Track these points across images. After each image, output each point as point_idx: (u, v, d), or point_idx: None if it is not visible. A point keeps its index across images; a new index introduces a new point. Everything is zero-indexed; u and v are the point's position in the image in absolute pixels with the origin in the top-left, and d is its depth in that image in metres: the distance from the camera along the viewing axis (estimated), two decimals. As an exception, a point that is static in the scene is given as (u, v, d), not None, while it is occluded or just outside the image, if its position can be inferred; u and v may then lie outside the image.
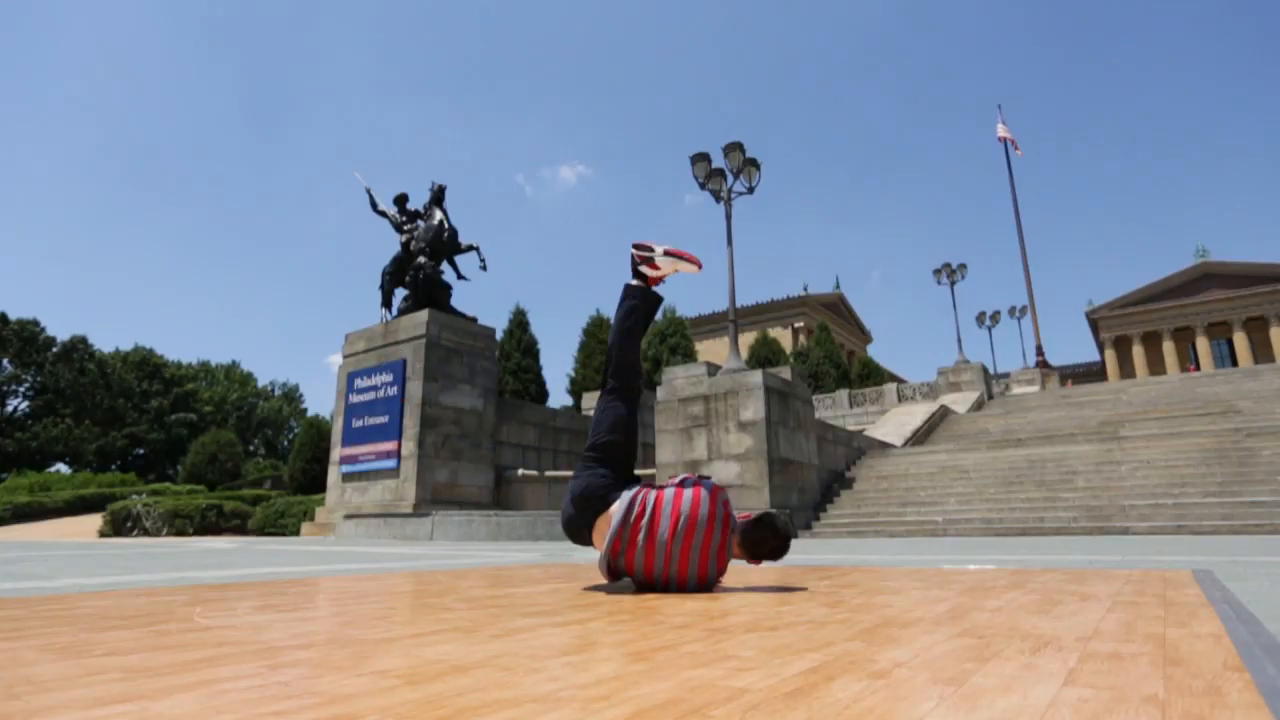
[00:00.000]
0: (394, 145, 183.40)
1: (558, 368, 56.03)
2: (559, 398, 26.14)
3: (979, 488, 11.00)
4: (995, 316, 28.73)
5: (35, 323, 41.73)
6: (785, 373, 11.79)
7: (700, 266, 2.63)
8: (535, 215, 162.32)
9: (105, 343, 67.03)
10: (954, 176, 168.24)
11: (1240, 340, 46.92)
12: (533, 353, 21.68)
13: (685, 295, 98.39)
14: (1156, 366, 49.15)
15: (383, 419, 13.03)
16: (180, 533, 16.35)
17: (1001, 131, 33.84)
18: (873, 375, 30.36)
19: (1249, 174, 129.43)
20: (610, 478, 2.44)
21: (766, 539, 2.35)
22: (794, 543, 8.25)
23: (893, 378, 33.75)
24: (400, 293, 14.78)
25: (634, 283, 2.64)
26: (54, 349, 41.95)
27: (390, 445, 12.71)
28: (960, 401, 21.37)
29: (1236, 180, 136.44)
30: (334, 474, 13.73)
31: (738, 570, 3.59)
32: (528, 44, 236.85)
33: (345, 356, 14.51)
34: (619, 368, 2.61)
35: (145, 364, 47.93)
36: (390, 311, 14.67)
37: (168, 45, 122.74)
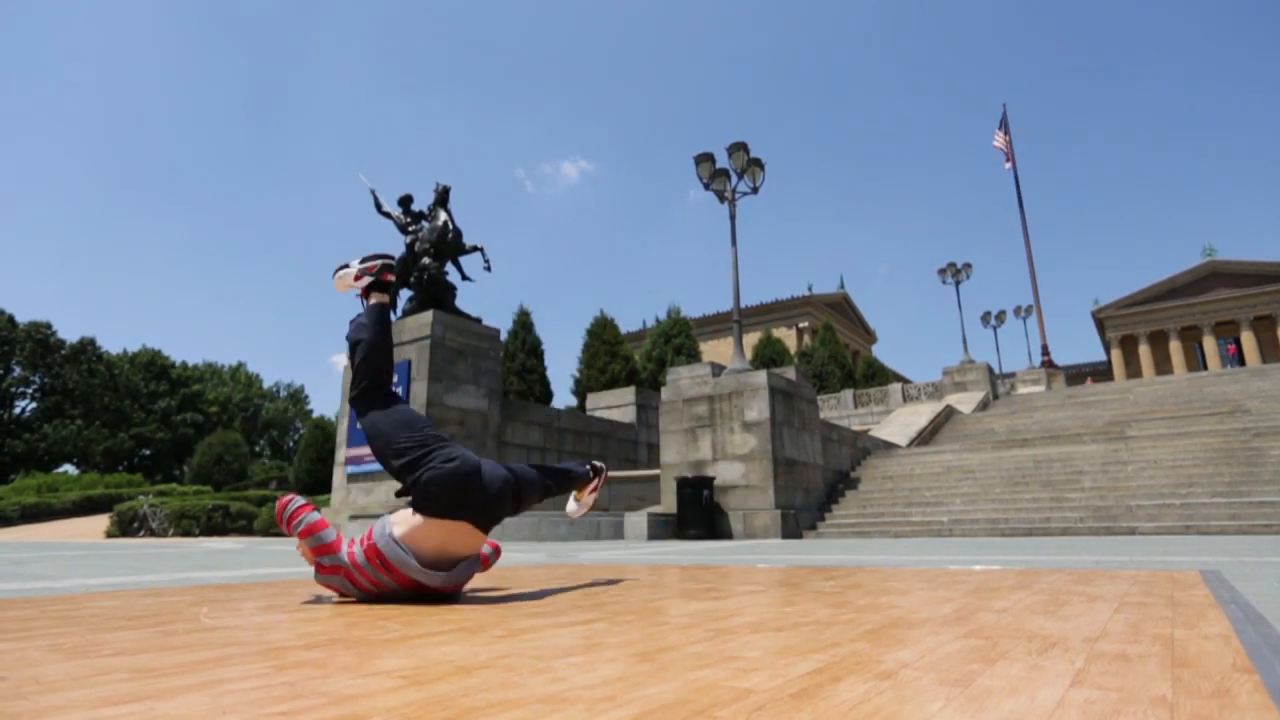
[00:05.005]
0: (394, 140, 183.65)
1: (561, 368, 56.18)
2: (563, 398, 26.17)
3: (984, 488, 10.96)
4: (1001, 316, 28.62)
5: (47, 325, 41.97)
6: (790, 373, 11.77)
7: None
8: (537, 212, 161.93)
9: (113, 344, 67.33)
10: (959, 175, 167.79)
11: (1248, 339, 46.67)
12: (537, 353, 21.70)
13: (690, 296, 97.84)
14: (1163, 366, 48.91)
15: (388, 420, 13.06)
16: (186, 533, 16.42)
17: (999, 141, 33.65)
18: (877, 375, 30.31)
19: (1256, 173, 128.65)
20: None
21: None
22: (799, 543, 8.25)
23: (897, 378, 33.69)
24: (405, 294, 14.81)
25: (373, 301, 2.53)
26: (63, 350, 42.17)
27: (395, 446, 12.73)
28: (965, 401, 21.31)
29: (1244, 179, 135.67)
30: (339, 475, 13.76)
31: (742, 570, 3.58)
32: (527, 37, 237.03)
33: (350, 357, 14.54)
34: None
35: (152, 365, 48.16)
36: (395, 312, 14.69)
37: (169, 45, 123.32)
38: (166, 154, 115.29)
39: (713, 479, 10.24)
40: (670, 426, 11.22)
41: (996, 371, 26.00)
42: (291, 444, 56.16)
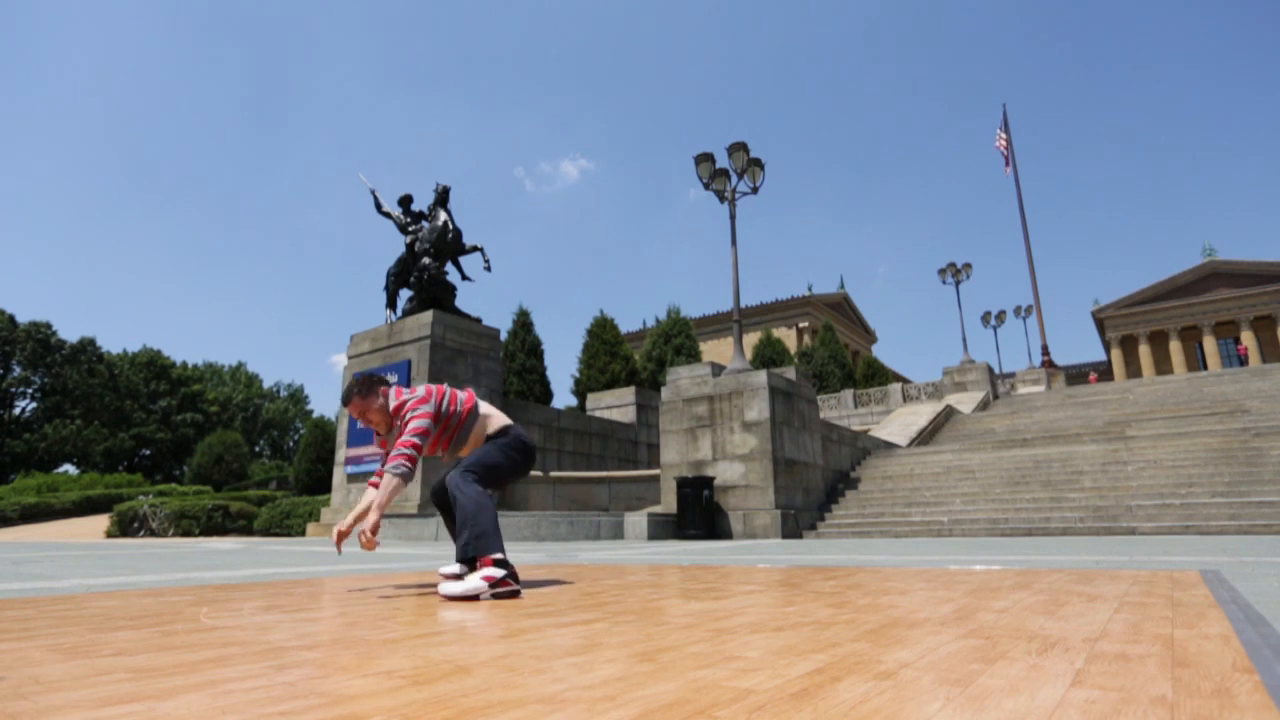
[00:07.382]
0: (392, 138, 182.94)
1: (561, 368, 56.27)
2: (563, 398, 26.20)
3: (984, 488, 10.96)
4: (1001, 316, 28.62)
5: (47, 325, 41.97)
6: (790, 373, 11.77)
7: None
8: (536, 210, 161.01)
9: (113, 344, 67.40)
10: (959, 175, 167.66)
11: (1248, 339, 46.67)
12: (537, 353, 21.70)
13: (690, 295, 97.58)
14: (1163, 366, 48.92)
15: (388, 420, 13.06)
16: (186, 533, 16.42)
17: (1001, 142, 33.62)
18: (877, 375, 30.31)
19: (1257, 172, 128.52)
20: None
21: None
22: (799, 543, 8.25)
23: (897, 378, 33.68)
24: (405, 294, 14.82)
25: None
26: (63, 351, 42.17)
27: (395, 446, 12.73)
28: (965, 401, 21.31)
29: (1244, 178, 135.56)
30: (339, 475, 13.77)
31: (742, 570, 3.58)
32: (527, 36, 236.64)
33: (350, 357, 14.55)
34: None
35: (153, 365, 48.14)
36: (395, 312, 14.71)
37: (169, 45, 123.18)
38: (166, 153, 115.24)
39: (713, 479, 10.24)
40: (670, 426, 11.22)
41: (996, 371, 26.01)
42: (291, 444, 56.19)
